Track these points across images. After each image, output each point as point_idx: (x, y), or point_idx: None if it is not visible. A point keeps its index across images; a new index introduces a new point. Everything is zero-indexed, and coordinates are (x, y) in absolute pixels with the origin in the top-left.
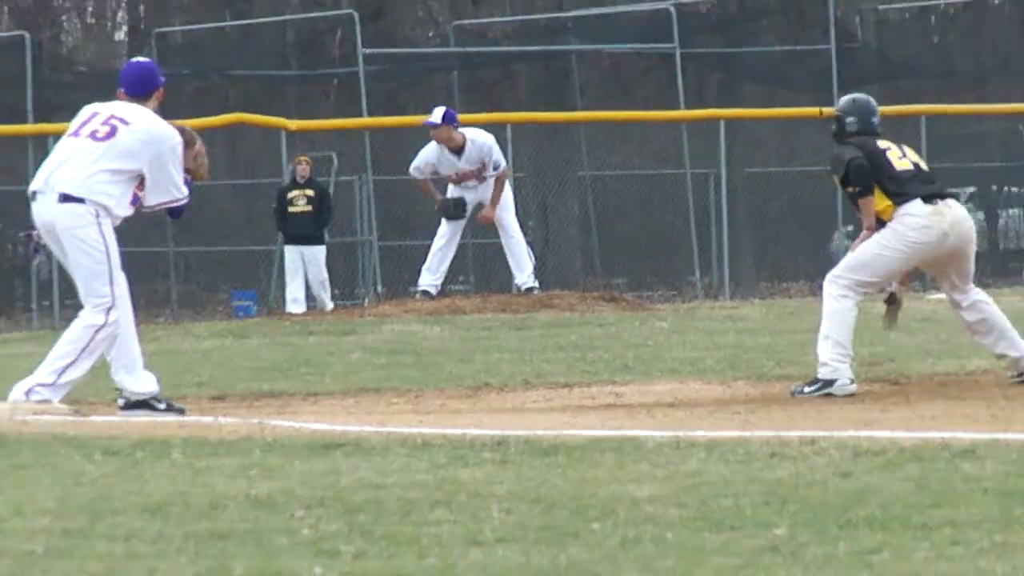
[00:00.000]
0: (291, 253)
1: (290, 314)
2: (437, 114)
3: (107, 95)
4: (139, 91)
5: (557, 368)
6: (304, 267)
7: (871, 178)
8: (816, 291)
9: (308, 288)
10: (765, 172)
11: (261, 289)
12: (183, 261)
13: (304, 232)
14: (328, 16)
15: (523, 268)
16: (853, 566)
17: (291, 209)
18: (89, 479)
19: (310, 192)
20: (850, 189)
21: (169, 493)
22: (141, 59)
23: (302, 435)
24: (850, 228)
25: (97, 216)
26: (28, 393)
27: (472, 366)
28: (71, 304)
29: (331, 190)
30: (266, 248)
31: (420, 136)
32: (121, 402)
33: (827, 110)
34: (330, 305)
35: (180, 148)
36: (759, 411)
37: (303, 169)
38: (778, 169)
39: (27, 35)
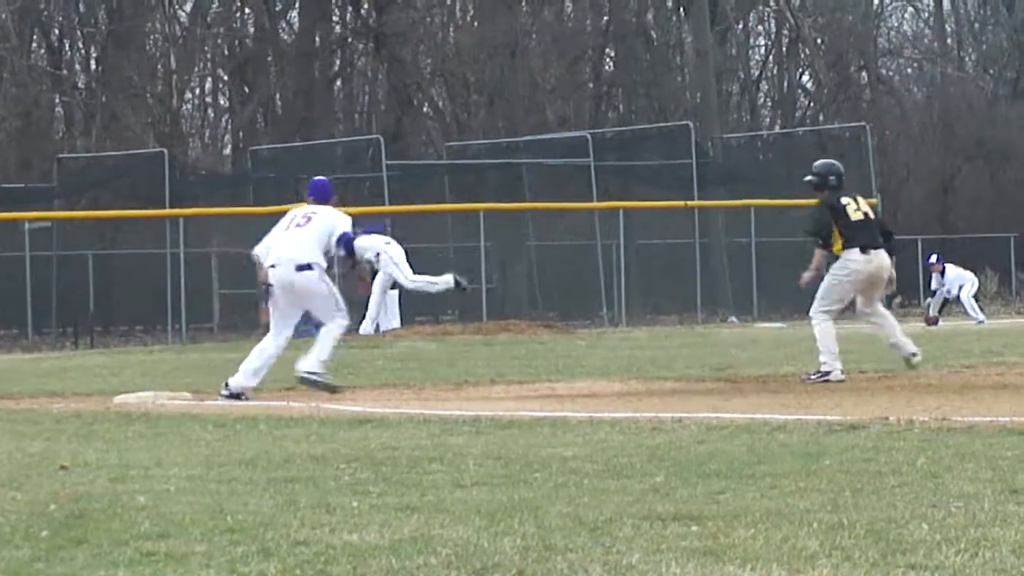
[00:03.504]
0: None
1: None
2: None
3: (218, 192)
4: (321, 197)
5: (512, 371)
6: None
7: (828, 232)
8: (680, 323)
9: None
10: (649, 243)
11: None
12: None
13: None
14: (363, 139)
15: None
16: (707, 502)
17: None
18: (204, 442)
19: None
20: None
21: (257, 452)
22: (321, 178)
23: (344, 414)
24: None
25: (320, 274)
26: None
27: (456, 369)
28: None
29: None
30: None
31: (425, 218)
32: (225, 392)
33: (691, 203)
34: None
35: (349, 224)
36: (644, 400)
37: None
38: (658, 241)
39: (165, 151)
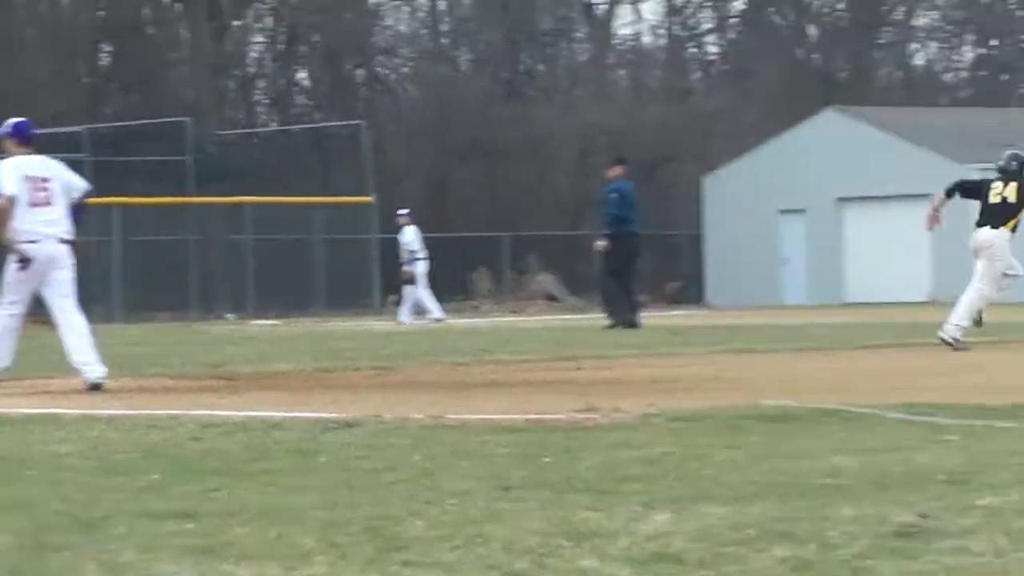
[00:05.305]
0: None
1: None
2: None
3: None
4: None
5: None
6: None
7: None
8: (174, 319)
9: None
10: (145, 240)
11: None
12: None
13: None
14: None
15: None
16: (203, 500)
17: None
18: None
19: None
20: None
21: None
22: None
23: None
24: None
25: None
26: None
27: None
28: None
29: None
30: None
31: None
32: None
33: (185, 199)
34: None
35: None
36: (139, 397)
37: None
38: (154, 238)
39: None
